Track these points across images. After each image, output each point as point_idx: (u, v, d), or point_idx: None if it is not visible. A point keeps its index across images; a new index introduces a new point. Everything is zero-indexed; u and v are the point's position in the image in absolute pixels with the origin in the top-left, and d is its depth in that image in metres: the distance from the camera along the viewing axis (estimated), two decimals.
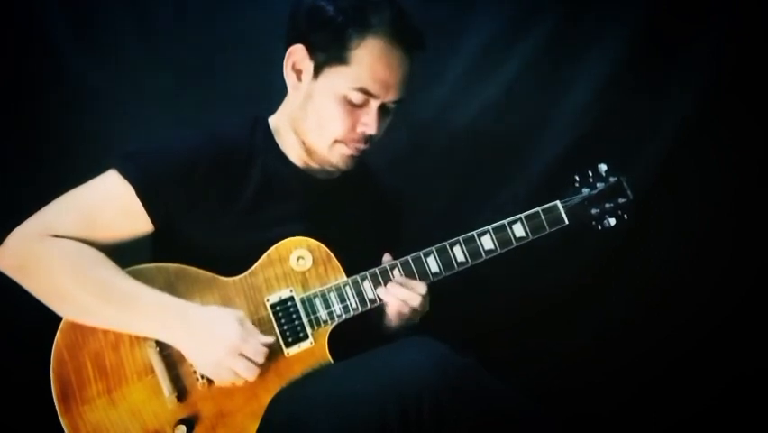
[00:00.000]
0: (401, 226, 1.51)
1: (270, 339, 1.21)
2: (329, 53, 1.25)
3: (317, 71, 1.27)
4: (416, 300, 1.29)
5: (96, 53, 1.73)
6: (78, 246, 1.20)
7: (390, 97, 1.28)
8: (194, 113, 1.73)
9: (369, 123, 1.29)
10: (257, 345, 1.17)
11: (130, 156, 1.26)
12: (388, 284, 1.30)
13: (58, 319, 1.19)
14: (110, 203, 1.24)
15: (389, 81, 1.26)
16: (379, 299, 1.30)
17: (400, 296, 1.29)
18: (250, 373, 1.17)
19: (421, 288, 1.30)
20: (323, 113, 1.29)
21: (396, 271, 1.31)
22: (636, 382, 1.92)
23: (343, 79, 1.26)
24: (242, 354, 1.16)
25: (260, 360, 1.17)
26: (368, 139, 1.32)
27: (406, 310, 1.30)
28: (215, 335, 1.16)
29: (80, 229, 1.21)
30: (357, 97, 1.26)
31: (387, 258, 1.33)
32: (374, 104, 1.28)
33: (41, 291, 1.19)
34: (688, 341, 1.92)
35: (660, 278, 1.93)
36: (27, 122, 1.70)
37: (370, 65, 1.24)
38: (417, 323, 1.37)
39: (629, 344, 1.92)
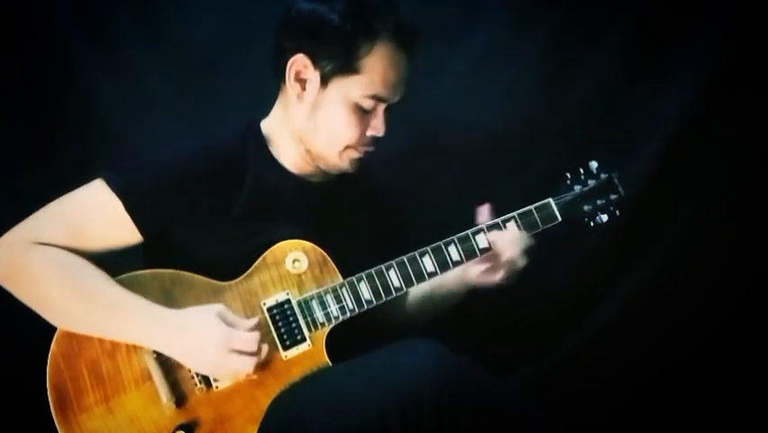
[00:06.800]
0: (402, 223, 1.49)
1: (254, 321, 1.20)
2: (336, 62, 1.25)
3: (324, 81, 1.28)
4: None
5: (105, 55, 1.76)
6: (64, 254, 1.20)
7: (396, 99, 1.32)
8: (200, 114, 1.76)
9: (378, 126, 1.31)
10: (244, 334, 1.16)
11: (118, 168, 1.27)
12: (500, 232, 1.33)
13: (54, 328, 1.19)
14: (97, 214, 1.23)
15: (397, 84, 1.29)
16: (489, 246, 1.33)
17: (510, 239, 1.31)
18: (248, 365, 1.16)
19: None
20: (334, 121, 1.29)
21: (391, 272, 1.31)
22: (635, 383, 1.92)
23: (355, 88, 1.26)
24: (233, 350, 1.15)
25: (253, 347, 1.16)
26: (375, 141, 1.34)
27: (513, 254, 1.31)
28: (200, 337, 1.15)
29: (67, 238, 1.21)
30: (368, 104, 1.28)
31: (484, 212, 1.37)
32: (381, 107, 1.30)
33: (28, 299, 1.19)
34: (687, 342, 1.92)
35: (658, 279, 1.93)
36: (38, 124, 1.73)
37: (381, 72, 1.26)
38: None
39: (628, 345, 1.92)
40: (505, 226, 1.34)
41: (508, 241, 1.32)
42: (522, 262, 1.33)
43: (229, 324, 1.17)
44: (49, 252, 1.19)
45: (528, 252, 1.33)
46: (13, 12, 1.69)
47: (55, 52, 1.74)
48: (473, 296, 1.44)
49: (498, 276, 1.34)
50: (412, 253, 1.32)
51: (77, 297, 1.17)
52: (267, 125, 1.39)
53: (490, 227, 1.34)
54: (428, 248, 1.32)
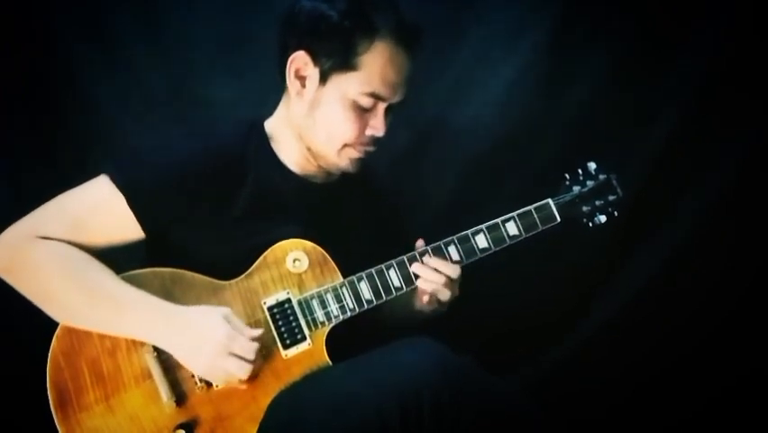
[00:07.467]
0: (402, 224, 1.49)
1: (259, 331, 1.19)
2: (335, 59, 1.25)
3: (324, 78, 1.27)
4: (443, 281, 1.29)
5: (105, 55, 1.77)
6: (67, 248, 1.20)
7: (397, 98, 1.30)
8: (200, 114, 1.77)
9: (377, 126, 1.30)
10: (246, 341, 1.16)
11: (122, 165, 1.27)
12: (421, 267, 1.30)
13: (55, 325, 1.19)
14: (100, 209, 1.24)
15: (397, 83, 1.28)
16: (415, 278, 1.31)
17: (433, 278, 1.29)
18: (243, 372, 1.15)
19: (452, 271, 1.31)
20: (332, 119, 1.29)
21: (391, 272, 1.31)
22: (635, 383, 1.92)
23: (353, 85, 1.26)
24: (231, 354, 1.14)
25: (251, 356, 1.16)
26: (375, 141, 1.33)
27: (440, 294, 1.30)
28: (203, 336, 1.15)
29: (70, 233, 1.21)
30: (367, 102, 1.27)
31: (419, 243, 1.34)
32: (381, 106, 1.29)
33: (30, 293, 1.19)
34: (687, 342, 1.92)
35: (658, 278, 1.93)
36: (38, 124, 1.74)
37: (380, 69, 1.25)
38: (444, 310, 1.37)
39: (628, 345, 1.93)
40: (504, 226, 1.34)
41: (431, 273, 1.30)
42: (454, 291, 1.33)
43: (233, 328, 1.16)
44: (51, 245, 1.19)
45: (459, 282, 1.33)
46: (13, 12, 1.69)
47: (55, 52, 1.74)
48: (473, 297, 1.45)
49: (425, 303, 1.34)
50: (412, 253, 1.32)
51: (78, 290, 1.17)
52: (270, 125, 1.38)
53: (490, 228, 1.34)
54: (428, 248, 1.33)
